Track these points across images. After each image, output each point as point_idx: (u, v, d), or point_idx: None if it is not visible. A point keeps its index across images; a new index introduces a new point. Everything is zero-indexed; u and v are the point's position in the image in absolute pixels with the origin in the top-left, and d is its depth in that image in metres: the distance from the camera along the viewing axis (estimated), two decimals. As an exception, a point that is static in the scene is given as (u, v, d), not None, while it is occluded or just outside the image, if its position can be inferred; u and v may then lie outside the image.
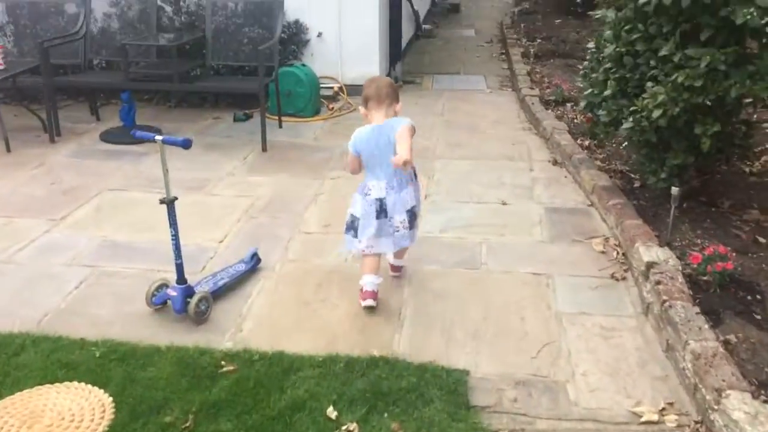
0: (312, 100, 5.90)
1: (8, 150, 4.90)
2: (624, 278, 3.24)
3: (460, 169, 4.67)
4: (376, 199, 2.86)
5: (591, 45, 4.17)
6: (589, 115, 4.25)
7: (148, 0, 5.70)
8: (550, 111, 5.79)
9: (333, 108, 6.15)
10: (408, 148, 2.67)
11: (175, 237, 2.84)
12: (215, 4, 5.68)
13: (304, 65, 6.00)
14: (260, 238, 3.63)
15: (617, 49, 3.72)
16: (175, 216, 2.83)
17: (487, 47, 9.60)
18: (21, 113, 5.50)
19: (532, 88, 6.38)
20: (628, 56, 3.64)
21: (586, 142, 4.96)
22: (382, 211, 2.87)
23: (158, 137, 2.76)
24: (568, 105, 5.97)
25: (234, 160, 4.84)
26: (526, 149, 5.07)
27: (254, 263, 3.31)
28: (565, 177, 4.50)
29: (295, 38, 6.30)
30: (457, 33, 11.00)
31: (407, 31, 8.94)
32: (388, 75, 6.90)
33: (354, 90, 6.51)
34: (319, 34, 6.40)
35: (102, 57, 5.73)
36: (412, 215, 2.94)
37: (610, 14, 3.92)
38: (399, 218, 2.89)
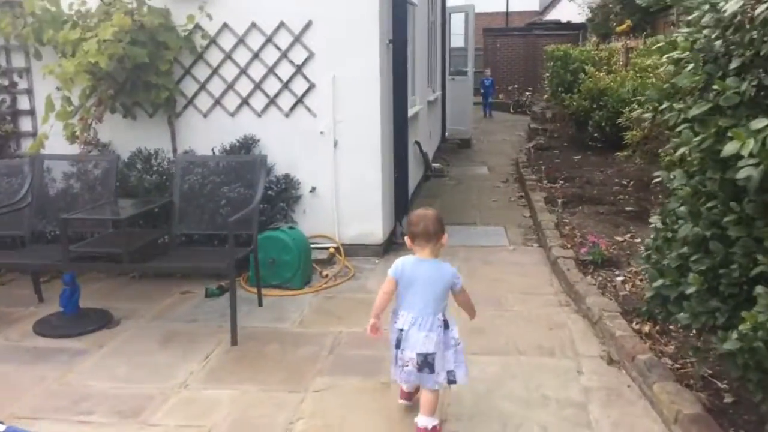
0: (301, 268, 4.93)
1: None
2: None
3: (484, 372, 3.55)
4: (399, 329, 2.92)
5: (654, 219, 3.17)
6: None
7: (111, 159, 4.91)
8: (589, 277, 4.75)
9: (327, 276, 5.16)
10: (472, 308, 3.16)
11: None
12: (191, 162, 4.88)
13: (292, 227, 5.08)
14: None
15: (696, 230, 2.72)
16: None
17: (504, 188, 8.79)
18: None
19: (564, 246, 5.39)
20: (715, 241, 2.64)
21: (646, 328, 3.87)
22: (399, 341, 2.92)
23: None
24: (612, 270, 4.93)
25: (192, 361, 3.77)
26: (567, 336, 3.97)
27: None
28: (629, 386, 3.35)
29: (284, 194, 5.45)
30: (470, 171, 10.30)
31: (415, 174, 8.18)
32: (393, 232, 5.99)
33: (353, 250, 5.57)
34: (313, 189, 5.56)
35: (52, 227, 4.84)
36: (425, 362, 2.87)
37: (679, 180, 2.97)
38: (409, 354, 2.89)
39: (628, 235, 5.79)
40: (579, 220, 6.33)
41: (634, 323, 3.93)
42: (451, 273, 2.94)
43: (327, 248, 5.52)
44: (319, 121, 5.45)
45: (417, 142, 8.08)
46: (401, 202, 5.99)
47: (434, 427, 2.92)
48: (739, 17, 2.54)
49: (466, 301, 3.08)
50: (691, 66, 2.81)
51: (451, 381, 2.94)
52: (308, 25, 5.31)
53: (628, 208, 6.69)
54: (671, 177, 3.18)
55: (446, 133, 12.87)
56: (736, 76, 2.59)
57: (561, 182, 8.04)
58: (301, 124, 5.47)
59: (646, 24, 14.41)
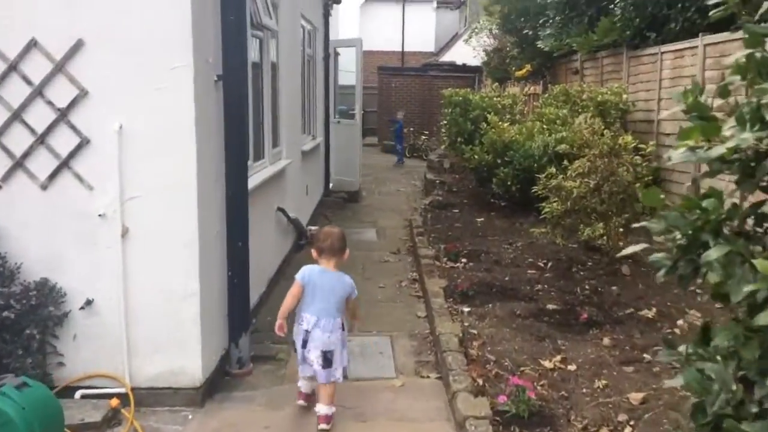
0: (36, 459, 2.84)
1: None
2: None
3: None
4: (305, 330, 3.35)
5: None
6: None
7: None
8: (516, 458, 3.02)
9: (94, 459, 3.10)
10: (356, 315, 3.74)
11: None
12: None
13: (25, 384, 2.97)
14: None
15: None
16: None
17: (394, 263, 7.07)
18: None
19: (474, 390, 3.61)
20: None
21: None
22: (305, 342, 3.35)
23: None
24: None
25: None
26: None
27: None
28: None
29: (37, 314, 3.37)
30: (355, 235, 8.48)
31: (280, 248, 6.30)
32: (226, 357, 4.04)
33: (154, 398, 3.59)
34: (88, 303, 3.52)
35: None
36: (327, 359, 3.32)
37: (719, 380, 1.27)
38: (314, 354, 3.33)
39: (558, 358, 4.16)
40: (491, 328, 4.65)
41: None
42: (349, 284, 3.48)
43: (108, 397, 3.46)
44: (97, 196, 3.45)
45: (281, 209, 6.20)
46: (239, 313, 4.04)
47: (332, 414, 3.41)
48: None
49: (353, 308, 3.62)
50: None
51: (345, 376, 3.50)
52: (78, 46, 3.34)
53: (550, 306, 5.10)
54: (705, 376, 1.53)
55: (330, 185, 11.09)
56: None
57: (463, 261, 6.41)
58: (68, 200, 3.46)
59: (546, 69, 13.49)
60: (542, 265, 6.20)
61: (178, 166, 3.45)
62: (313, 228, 8.33)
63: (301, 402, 3.60)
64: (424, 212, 9.27)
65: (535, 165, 8.12)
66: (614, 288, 5.48)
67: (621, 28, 9.29)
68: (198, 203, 3.49)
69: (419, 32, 28.89)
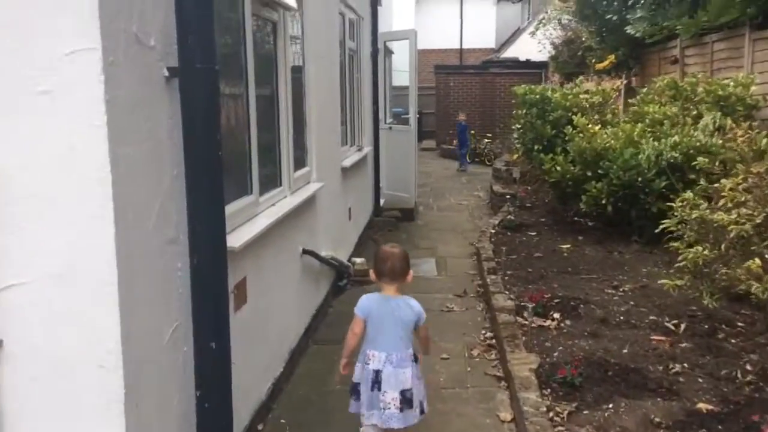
0: None
1: None
2: None
3: None
4: (374, 371, 2.89)
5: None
6: None
7: None
8: None
9: None
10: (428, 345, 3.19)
11: None
12: None
13: None
14: None
15: None
16: None
17: (460, 314, 5.43)
18: None
19: None
20: None
21: None
22: (376, 383, 2.88)
23: None
24: None
25: None
26: None
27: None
28: None
29: None
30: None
31: (306, 305, 4.78)
32: None
33: None
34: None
35: None
36: (407, 398, 2.87)
37: None
38: (391, 395, 2.87)
39: None
40: (621, 457, 2.95)
41: None
42: (417, 309, 2.97)
43: None
44: (-53, 285, 1.97)
45: (308, 251, 4.67)
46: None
47: None
48: None
49: (425, 336, 3.12)
50: None
51: (422, 411, 2.99)
52: None
53: (703, 406, 3.35)
54: None
55: (381, 200, 9.51)
56: None
57: (556, 317, 4.69)
58: None
59: (633, 60, 11.53)
60: (671, 326, 4.41)
61: (86, 229, 1.93)
62: (358, 260, 6.79)
63: None
64: (494, 236, 7.57)
65: (640, 179, 6.35)
66: (793, 371, 3.68)
67: (742, 4, 7.36)
68: (120, 293, 1.96)
69: (478, 28, 27.11)
